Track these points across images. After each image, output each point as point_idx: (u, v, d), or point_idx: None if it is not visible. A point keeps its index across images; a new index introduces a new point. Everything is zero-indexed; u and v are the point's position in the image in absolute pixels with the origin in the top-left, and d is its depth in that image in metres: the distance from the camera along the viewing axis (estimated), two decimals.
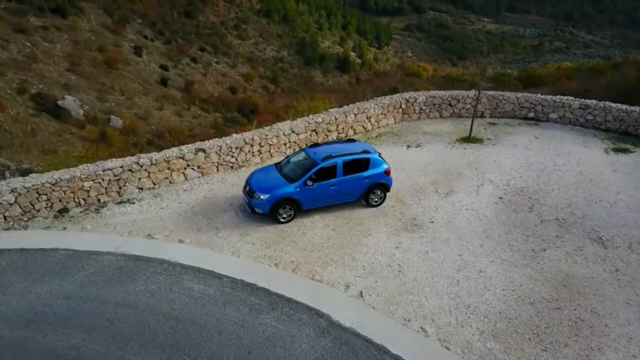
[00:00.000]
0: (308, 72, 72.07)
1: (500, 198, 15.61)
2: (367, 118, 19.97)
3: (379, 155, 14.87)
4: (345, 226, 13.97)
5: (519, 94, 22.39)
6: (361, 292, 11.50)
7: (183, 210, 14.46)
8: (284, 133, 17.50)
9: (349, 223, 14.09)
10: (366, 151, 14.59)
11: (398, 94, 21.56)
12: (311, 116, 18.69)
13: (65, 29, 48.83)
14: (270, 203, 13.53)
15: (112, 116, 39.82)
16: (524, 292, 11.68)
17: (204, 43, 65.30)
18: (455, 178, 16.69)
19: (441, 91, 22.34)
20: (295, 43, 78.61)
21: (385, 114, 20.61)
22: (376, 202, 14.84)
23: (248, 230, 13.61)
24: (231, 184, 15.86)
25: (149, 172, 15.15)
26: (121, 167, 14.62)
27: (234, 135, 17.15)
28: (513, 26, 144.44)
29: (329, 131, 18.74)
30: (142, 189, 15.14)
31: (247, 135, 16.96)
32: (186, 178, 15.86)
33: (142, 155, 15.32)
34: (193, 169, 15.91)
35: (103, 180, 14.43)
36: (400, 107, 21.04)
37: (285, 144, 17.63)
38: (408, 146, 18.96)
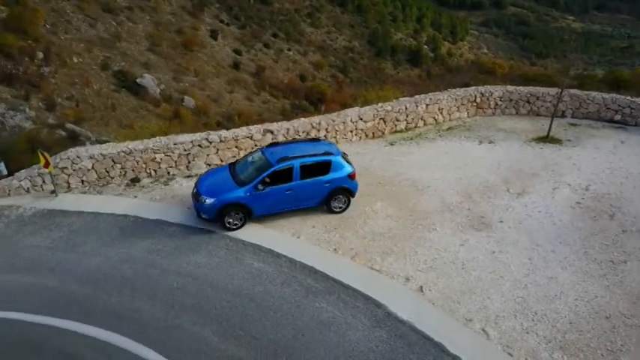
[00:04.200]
0: (378, 63, 71.12)
1: (578, 203, 14.58)
2: (439, 109, 19.29)
3: (344, 157, 13.53)
4: (409, 218, 13.57)
5: (606, 95, 20.81)
6: (421, 287, 11.12)
7: None
8: (351, 120, 17.24)
9: (413, 216, 13.67)
10: (327, 153, 13.21)
11: (473, 87, 20.66)
12: (380, 104, 18.29)
13: (148, 10, 50.90)
14: (216, 208, 12.23)
15: (185, 96, 41.16)
16: (600, 304, 10.84)
17: (278, 30, 66.00)
18: (529, 179, 15.78)
19: (519, 87, 21.19)
20: (367, 34, 77.73)
21: (458, 107, 19.82)
22: (339, 208, 13.52)
23: (309, 213, 13.51)
24: None
25: (217, 149, 15.41)
26: (191, 142, 14.97)
27: (302, 119, 17.12)
28: (601, 26, 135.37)
29: (397, 120, 18.28)
30: (209, 165, 15.43)
31: (314, 120, 16.86)
32: None
33: (211, 132, 15.63)
34: None
35: (173, 153, 14.84)
36: (474, 101, 20.17)
37: (351, 131, 17.39)
38: (481, 142, 18.15)
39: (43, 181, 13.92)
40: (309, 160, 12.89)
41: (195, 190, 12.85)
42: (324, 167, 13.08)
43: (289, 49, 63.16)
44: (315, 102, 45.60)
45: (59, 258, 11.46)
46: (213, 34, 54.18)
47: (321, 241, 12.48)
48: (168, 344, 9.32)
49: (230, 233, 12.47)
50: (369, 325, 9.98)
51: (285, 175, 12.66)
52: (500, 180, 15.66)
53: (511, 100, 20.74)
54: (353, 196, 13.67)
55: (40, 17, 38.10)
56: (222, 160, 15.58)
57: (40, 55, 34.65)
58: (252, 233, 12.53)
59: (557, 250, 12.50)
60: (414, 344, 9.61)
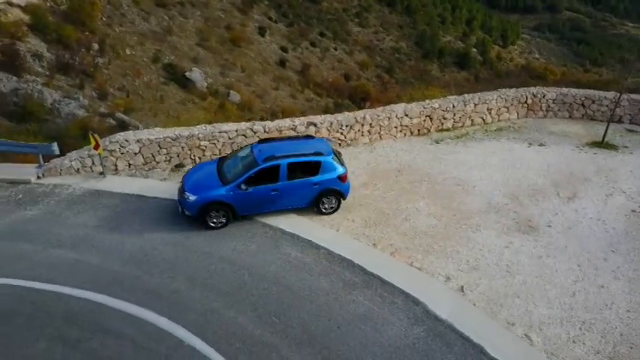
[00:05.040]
0: (425, 65, 70.00)
1: (634, 211, 13.82)
2: (488, 109, 18.72)
3: (336, 156, 12.91)
4: (452, 217, 13.20)
5: None
6: (462, 287, 10.77)
7: None
8: (397, 116, 16.96)
9: (457, 216, 13.29)
10: (318, 153, 12.48)
11: (524, 88, 19.95)
12: (427, 101, 17.94)
13: (199, 6, 51.96)
14: (198, 206, 11.83)
15: (231, 91, 41.73)
16: None
17: (325, 29, 66.05)
18: (580, 184, 15.08)
19: (573, 89, 20.32)
20: (415, 35, 76.68)
21: (508, 107, 19.18)
22: (327, 209, 12.89)
23: (349, 207, 13.36)
24: None
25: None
26: (236, 131, 15.08)
27: (346, 112, 16.99)
28: None
29: (444, 118, 17.86)
30: None
31: (359, 114, 16.70)
32: None
33: (256, 122, 15.73)
34: None
35: (218, 141, 14.99)
36: (525, 102, 19.47)
37: (396, 127, 17.10)
38: (530, 144, 17.49)
39: (93, 163, 14.35)
40: (297, 160, 12.27)
41: (181, 185, 12.55)
42: (314, 168, 12.44)
43: (335, 48, 63.15)
44: (358, 101, 45.36)
45: (104, 237, 11.77)
46: (261, 31, 54.79)
47: (360, 236, 12.31)
48: (204, 326, 9.37)
49: (269, 221, 12.47)
50: (407, 322, 9.73)
51: (272, 175, 12.09)
52: (550, 183, 15.03)
53: (564, 103, 19.91)
54: (344, 198, 13.04)
55: (97, 10, 39.52)
56: None
57: (96, 46, 35.91)
58: (291, 223, 12.50)
59: (609, 259, 11.87)
60: (452, 344, 9.30)
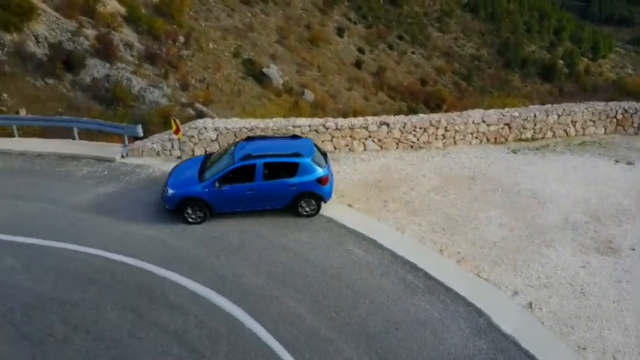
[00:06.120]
0: (505, 74, 67.60)
1: None
2: (572, 122, 17.69)
3: (323, 157, 12.64)
4: (525, 230, 12.59)
5: None
6: (531, 303, 10.25)
7: (357, 178, 14.55)
8: (473, 122, 16.45)
9: (529, 229, 12.66)
10: (296, 154, 12.17)
11: (614, 102, 18.69)
12: (507, 109, 17.27)
13: (281, 4, 53.24)
14: (175, 200, 11.99)
15: (305, 90, 42.37)
16: None
17: (404, 32, 65.55)
18: None
19: None
20: (497, 43, 74.21)
21: (594, 121, 18.03)
22: (307, 212, 12.47)
23: (416, 210, 13.14)
24: (408, 163, 15.48)
25: (332, 136, 15.58)
26: (309, 126, 15.28)
27: (421, 114, 16.71)
28: None
29: (524, 128, 17.07)
30: None
31: (434, 117, 16.37)
32: (365, 149, 15.96)
33: (329, 119, 15.86)
34: (374, 141, 15.92)
35: None
36: (614, 117, 18.22)
37: (472, 133, 16.58)
38: (617, 161, 16.36)
39: (172, 147, 15.09)
40: (273, 160, 12.09)
41: (166, 179, 12.79)
42: (291, 169, 12.18)
43: (413, 52, 62.45)
44: (433, 107, 44.62)
45: (178, 217, 12.31)
46: (340, 32, 55.24)
47: (426, 240, 12.05)
48: (264, 312, 9.56)
49: (334, 217, 12.51)
50: (469, 333, 9.40)
51: (247, 174, 11.97)
52: (636, 205, 13.97)
53: None
54: (324, 201, 12.61)
55: (186, 4, 41.53)
56: (335, 148, 15.73)
57: (182, 39, 37.74)
58: (355, 220, 12.48)
59: None
60: None
